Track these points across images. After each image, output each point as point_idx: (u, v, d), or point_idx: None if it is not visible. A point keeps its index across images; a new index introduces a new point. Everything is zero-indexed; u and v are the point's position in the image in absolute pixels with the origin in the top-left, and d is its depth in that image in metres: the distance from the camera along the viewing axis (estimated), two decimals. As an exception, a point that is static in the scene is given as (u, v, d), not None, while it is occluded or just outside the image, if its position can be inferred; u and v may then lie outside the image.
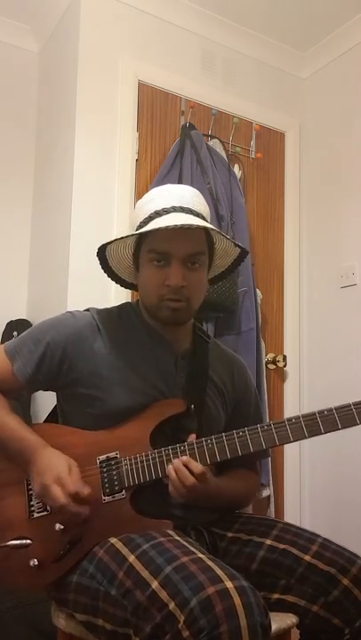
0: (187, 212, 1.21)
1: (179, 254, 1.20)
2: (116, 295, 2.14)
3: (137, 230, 1.24)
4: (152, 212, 1.22)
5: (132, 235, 1.24)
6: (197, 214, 1.22)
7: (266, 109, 2.73)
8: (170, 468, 1.13)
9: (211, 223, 1.28)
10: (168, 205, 1.21)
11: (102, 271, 1.34)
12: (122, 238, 1.25)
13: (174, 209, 1.20)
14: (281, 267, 2.72)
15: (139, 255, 1.27)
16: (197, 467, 1.12)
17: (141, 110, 2.40)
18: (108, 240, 1.26)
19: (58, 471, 1.13)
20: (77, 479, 1.14)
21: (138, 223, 1.25)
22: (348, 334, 2.51)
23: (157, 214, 1.21)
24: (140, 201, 1.29)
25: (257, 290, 2.48)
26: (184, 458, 1.13)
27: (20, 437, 1.21)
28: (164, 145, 2.43)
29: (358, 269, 2.49)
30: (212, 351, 1.38)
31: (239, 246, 1.29)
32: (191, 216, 1.20)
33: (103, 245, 1.27)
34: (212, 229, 1.22)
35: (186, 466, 1.12)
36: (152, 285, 1.23)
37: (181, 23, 2.52)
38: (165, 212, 1.20)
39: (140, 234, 1.22)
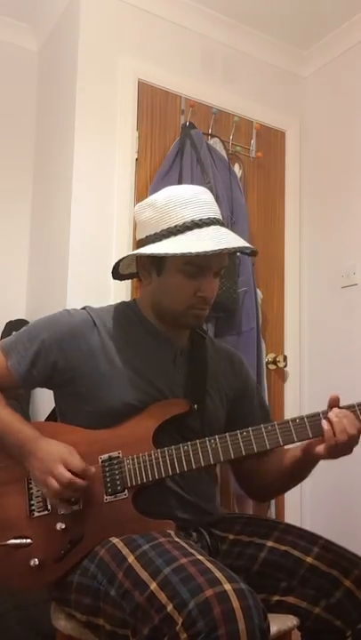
0: (221, 225, 1.22)
1: (215, 268, 1.23)
2: (115, 295, 2.14)
3: (166, 233, 1.19)
4: (188, 220, 1.19)
5: (191, 253, 1.15)
6: (227, 224, 1.25)
7: (266, 108, 2.72)
8: (332, 415, 1.13)
9: None
10: (205, 216, 1.20)
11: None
12: (181, 254, 1.16)
13: (212, 221, 1.20)
14: (281, 267, 2.71)
15: (161, 259, 1.23)
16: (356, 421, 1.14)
17: (141, 109, 2.39)
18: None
19: (60, 453, 1.13)
20: (79, 458, 1.14)
21: (168, 226, 1.20)
22: (348, 334, 2.50)
23: (197, 225, 1.19)
24: (165, 197, 1.23)
25: (257, 290, 2.47)
26: (343, 411, 1.14)
27: (16, 430, 1.21)
28: (164, 144, 2.42)
29: (359, 269, 2.48)
30: (210, 347, 1.38)
31: (251, 252, 1.28)
32: (225, 229, 1.21)
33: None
34: (254, 249, 1.24)
35: (346, 417, 1.13)
36: (182, 295, 1.23)
37: (181, 22, 2.51)
38: (205, 223, 1.19)
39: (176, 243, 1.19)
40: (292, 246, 2.74)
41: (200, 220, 1.19)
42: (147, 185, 2.35)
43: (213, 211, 1.22)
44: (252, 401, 1.41)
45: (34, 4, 2.53)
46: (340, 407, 1.16)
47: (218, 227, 1.20)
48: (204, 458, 1.16)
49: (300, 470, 1.28)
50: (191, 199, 1.21)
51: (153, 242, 1.22)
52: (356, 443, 1.15)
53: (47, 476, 1.12)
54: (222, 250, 1.15)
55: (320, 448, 1.15)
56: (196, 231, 1.18)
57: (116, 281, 1.41)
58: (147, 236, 1.24)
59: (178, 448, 1.17)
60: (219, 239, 1.16)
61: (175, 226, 1.19)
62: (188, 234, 1.18)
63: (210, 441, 1.17)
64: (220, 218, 1.23)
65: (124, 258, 1.29)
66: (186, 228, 1.19)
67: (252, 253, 1.27)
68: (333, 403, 1.17)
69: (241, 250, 1.20)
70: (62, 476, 1.11)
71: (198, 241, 1.16)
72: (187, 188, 1.26)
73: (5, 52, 2.63)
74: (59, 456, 1.13)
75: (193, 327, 1.31)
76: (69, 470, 1.12)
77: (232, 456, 1.16)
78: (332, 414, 1.14)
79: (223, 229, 1.20)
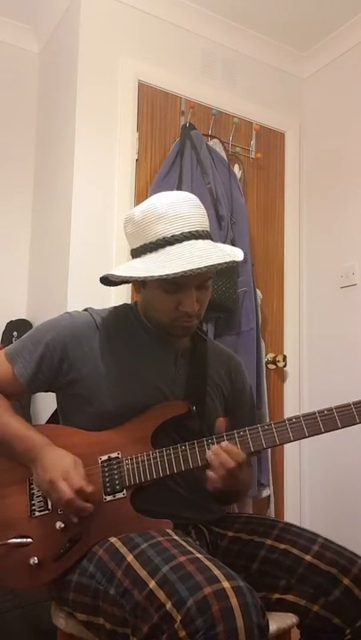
0: (197, 238, 1.17)
1: (194, 283, 1.19)
2: (116, 296, 2.14)
3: (142, 249, 1.19)
4: (160, 237, 1.16)
5: (152, 277, 1.14)
6: (207, 234, 1.20)
7: (266, 109, 2.72)
8: (210, 453, 1.14)
9: (210, 224, 1.27)
10: (177, 232, 1.16)
11: (102, 272, 1.32)
12: (144, 277, 1.16)
13: (185, 236, 1.16)
14: (281, 267, 2.72)
15: None
16: (239, 453, 1.14)
17: (141, 110, 2.40)
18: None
19: (64, 467, 1.13)
20: (83, 475, 1.14)
21: (143, 243, 1.19)
22: (348, 334, 2.51)
23: (168, 243, 1.16)
24: (142, 212, 1.21)
25: (257, 290, 2.48)
26: (224, 444, 1.15)
27: (24, 436, 1.21)
28: (164, 145, 2.43)
29: (358, 269, 2.49)
30: (210, 349, 1.39)
31: (235, 262, 1.22)
32: (202, 242, 1.17)
33: (107, 276, 1.24)
34: (228, 263, 1.16)
35: (226, 451, 1.14)
36: (165, 309, 1.22)
37: (181, 23, 2.52)
38: (177, 240, 1.16)
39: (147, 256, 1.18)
40: (292, 246, 2.75)
41: (172, 236, 1.16)
42: (147, 186, 2.36)
43: (190, 223, 1.17)
44: (245, 406, 1.42)
45: (34, 6, 2.53)
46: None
47: (193, 241, 1.16)
48: (201, 458, 1.17)
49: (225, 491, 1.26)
50: (165, 213, 1.17)
51: (134, 256, 1.23)
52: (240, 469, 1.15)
53: (50, 489, 1.13)
54: (187, 272, 1.11)
55: (211, 476, 1.14)
56: (167, 249, 1.16)
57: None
58: (132, 249, 1.25)
59: (176, 448, 1.18)
60: (187, 258, 1.13)
61: (149, 243, 1.18)
62: (160, 252, 1.16)
63: (207, 441, 1.18)
64: (200, 229, 1.18)
65: (104, 275, 1.26)
66: (158, 245, 1.17)
67: (230, 264, 1.19)
68: (219, 429, 1.18)
69: (210, 268, 1.13)
70: (64, 493, 1.10)
71: (167, 260, 1.14)
72: (164, 199, 1.20)
73: (6, 54, 2.64)
74: (61, 471, 1.13)
75: (183, 336, 1.30)
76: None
77: None
78: (210, 452, 1.15)
79: (199, 243, 1.16)
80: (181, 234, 1.16)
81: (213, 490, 1.17)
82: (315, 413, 1.15)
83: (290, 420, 1.16)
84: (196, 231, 1.18)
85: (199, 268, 1.11)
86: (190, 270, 1.11)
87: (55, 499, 1.14)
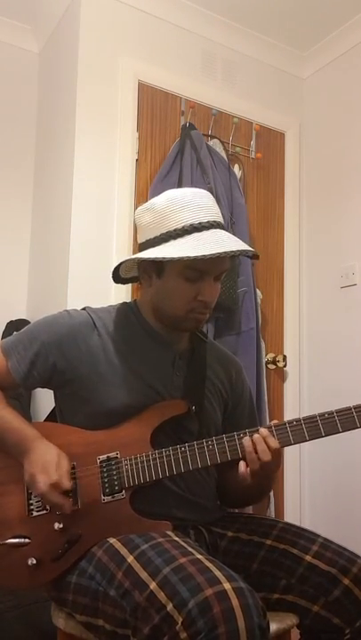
0: (222, 228, 1.20)
1: (215, 272, 1.21)
2: (116, 295, 2.14)
3: (164, 237, 1.18)
4: (187, 224, 1.17)
5: (189, 257, 1.13)
6: (225, 226, 1.22)
7: (266, 109, 2.72)
8: (247, 441, 1.13)
9: None
10: (204, 220, 1.18)
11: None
12: (179, 258, 1.14)
13: (211, 225, 1.18)
14: (281, 267, 2.72)
15: (161, 263, 1.21)
16: (275, 442, 1.13)
17: (141, 110, 2.40)
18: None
19: (45, 460, 1.15)
20: (64, 472, 1.15)
21: (167, 231, 1.19)
22: (348, 334, 2.51)
23: (195, 229, 1.17)
24: (164, 201, 1.22)
25: (257, 290, 2.48)
26: (264, 431, 1.13)
27: (16, 429, 1.22)
28: (164, 145, 2.43)
29: (358, 269, 2.49)
30: (210, 351, 1.38)
31: (253, 255, 1.24)
32: (224, 232, 1.19)
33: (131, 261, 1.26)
34: (254, 253, 1.20)
35: (264, 440, 1.13)
36: (182, 299, 1.22)
37: (181, 23, 2.52)
38: (204, 227, 1.17)
39: (171, 245, 1.18)
40: (292, 246, 2.75)
41: (199, 223, 1.18)
42: (147, 186, 2.36)
43: (213, 213, 1.20)
44: (244, 411, 1.41)
45: (34, 6, 2.53)
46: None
47: (217, 230, 1.19)
48: (201, 459, 1.16)
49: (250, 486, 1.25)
50: (190, 202, 1.19)
51: (153, 246, 1.21)
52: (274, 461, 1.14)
53: (30, 482, 1.15)
54: (222, 253, 1.13)
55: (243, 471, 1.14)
56: (195, 235, 1.17)
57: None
58: (147, 240, 1.23)
59: (175, 449, 1.17)
60: (218, 243, 1.15)
61: (174, 230, 1.18)
62: (188, 237, 1.17)
63: (207, 442, 1.17)
64: (220, 220, 1.21)
65: (123, 262, 1.28)
66: (185, 231, 1.17)
67: (254, 256, 1.23)
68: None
69: (241, 253, 1.17)
70: (38, 486, 1.12)
71: (197, 245, 1.14)
72: (186, 190, 1.23)
73: (6, 54, 2.64)
74: (42, 464, 1.14)
75: (192, 330, 1.31)
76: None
77: (229, 458, 1.16)
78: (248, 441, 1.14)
79: (222, 232, 1.19)
80: (208, 222, 1.19)
81: (238, 487, 1.18)
82: (315, 417, 1.15)
83: (290, 422, 1.15)
84: (220, 221, 1.21)
85: (233, 252, 1.14)
86: (225, 252, 1.13)
87: (34, 492, 1.15)
